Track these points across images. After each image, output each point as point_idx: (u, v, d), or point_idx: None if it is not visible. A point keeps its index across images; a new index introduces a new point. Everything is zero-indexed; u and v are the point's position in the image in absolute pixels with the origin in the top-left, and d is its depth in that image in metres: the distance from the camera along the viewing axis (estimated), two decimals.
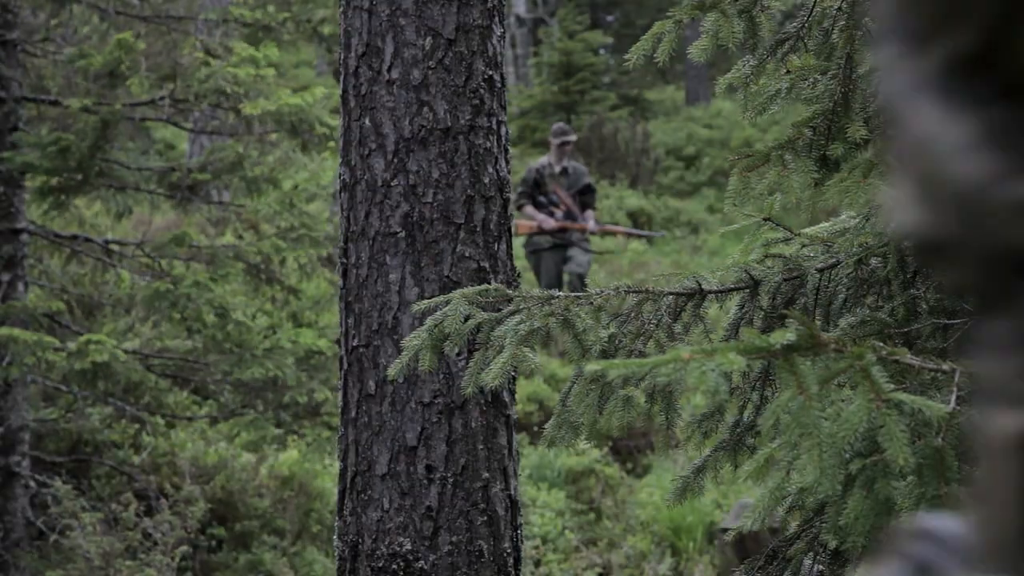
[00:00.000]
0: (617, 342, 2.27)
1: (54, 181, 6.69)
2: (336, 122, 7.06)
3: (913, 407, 1.58)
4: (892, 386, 1.62)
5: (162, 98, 7.10)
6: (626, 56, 2.36)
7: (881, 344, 1.74)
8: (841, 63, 2.19)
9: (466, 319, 2.29)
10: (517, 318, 2.23)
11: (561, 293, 2.31)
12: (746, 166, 2.14)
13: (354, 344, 3.25)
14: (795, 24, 2.36)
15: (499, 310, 2.31)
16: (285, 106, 6.79)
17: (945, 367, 1.78)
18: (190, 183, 6.98)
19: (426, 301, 2.46)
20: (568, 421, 2.25)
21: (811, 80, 2.30)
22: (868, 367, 1.61)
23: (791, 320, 1.78)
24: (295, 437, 8.25)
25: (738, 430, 2.43)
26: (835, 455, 1.56)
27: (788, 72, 2.32)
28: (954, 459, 1.65)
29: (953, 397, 1.73)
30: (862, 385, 1.60)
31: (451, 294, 2.37)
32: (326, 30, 7.40)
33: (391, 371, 2.40)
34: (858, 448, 1.63)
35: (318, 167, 13.57)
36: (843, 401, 1.60)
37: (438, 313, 2.32)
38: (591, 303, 2.28)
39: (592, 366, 1.58)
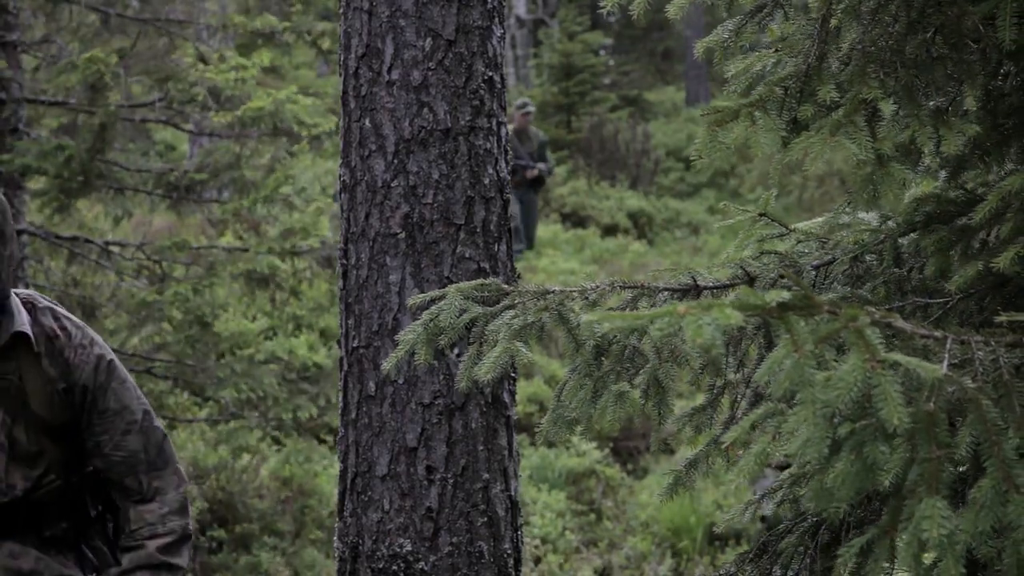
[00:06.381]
0: (612, 337, 2.27)
1: (55, 183, 6.71)
2: (325, 121, 7.09)
3: (908, 367, 1.57)
4: (885, 347, 1.62)
5: (160, 99, 7.13)
6: (601, 4, 2.37)
7: (874, 308, 1.74)
8: (817, 25, 2.19)
9: (461, 313, 2.29)
10: (511, 312, 2.24)
11: (557, 288, 2.32)
12: (715, 120, 2.13)
13: (354, 345, 3.26)
14: None
15: (495, 305, 2.32)
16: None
17: (937, 334, 1.78)
18: (187, 183, 7.00)
19: (422, 295, 2.47)
20: (563, 416, 2.26)
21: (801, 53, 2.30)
22: (863, 328, 1.61)
23: (786, 281, 1.78)
24: (283, 442, 8.26)
25: (731, 425, 2.44)
26: (826, 417, 1.56)
27: (777, 51, 2.31)
28: (945, 423, 1.65)
29: (945, 363, 1.73)
30: (856, 346, 1.59)
31: (446, 288, 2.38)
32: (325, 44, 7.43)
33: (386, 367, 2.41)
34: (847, 413, 1.62)
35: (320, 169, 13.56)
36: (836, 362, 1.60)
37: (433, 308, 2.33)
38: (586, 298, 2.28)
39: (588, 316, 1.58)
